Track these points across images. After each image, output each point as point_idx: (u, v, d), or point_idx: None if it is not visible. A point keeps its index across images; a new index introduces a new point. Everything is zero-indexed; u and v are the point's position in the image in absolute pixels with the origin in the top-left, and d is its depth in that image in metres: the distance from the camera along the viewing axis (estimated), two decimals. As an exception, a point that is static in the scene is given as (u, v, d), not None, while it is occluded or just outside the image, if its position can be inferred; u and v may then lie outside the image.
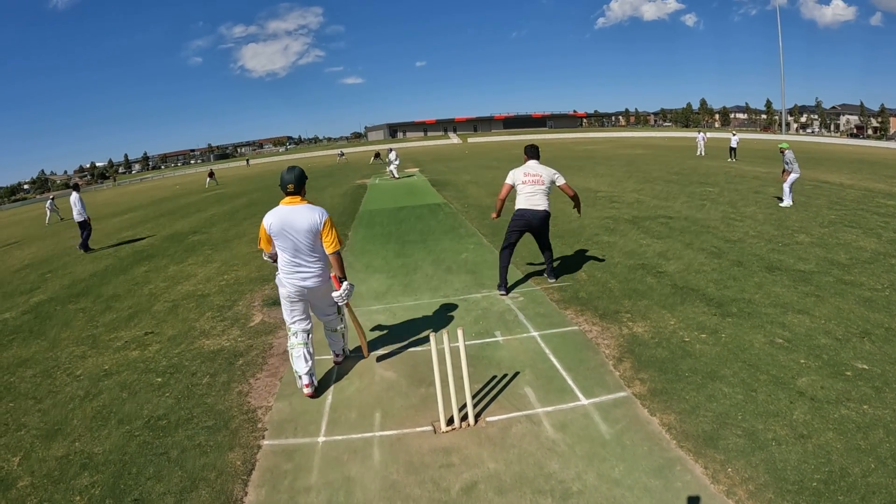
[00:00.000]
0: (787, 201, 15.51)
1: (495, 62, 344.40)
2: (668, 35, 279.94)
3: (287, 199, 5.61)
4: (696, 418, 4.84)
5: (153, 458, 4.89)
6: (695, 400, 5.16)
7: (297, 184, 5.60)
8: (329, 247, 5.56)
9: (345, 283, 5.62)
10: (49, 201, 36.25)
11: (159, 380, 6.64)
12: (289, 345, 5.88)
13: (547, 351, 6.44)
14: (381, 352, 6.81)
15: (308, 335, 5.87)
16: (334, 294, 5.64)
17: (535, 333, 6.96)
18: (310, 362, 5.77)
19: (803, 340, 6.32)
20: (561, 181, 8.82)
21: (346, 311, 6.34)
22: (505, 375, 5.89)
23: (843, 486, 3.83)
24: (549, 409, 5.16)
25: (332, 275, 5.71)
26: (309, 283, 5.65)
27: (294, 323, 5.85)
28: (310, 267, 5.63)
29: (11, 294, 12.83)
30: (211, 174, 55.88)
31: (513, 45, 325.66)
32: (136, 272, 13.17)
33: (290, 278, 5.64)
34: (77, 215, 17.73)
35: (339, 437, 5.02)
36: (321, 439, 5.01)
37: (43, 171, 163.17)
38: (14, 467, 4.92)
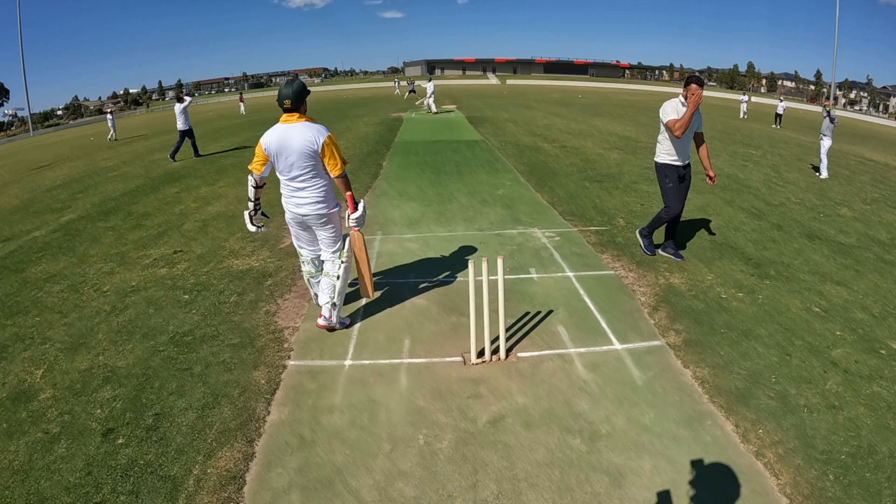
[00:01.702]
0: (824, 173, 14.92)
1: (539, 4, 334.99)
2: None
3: (284, 115, 5.04)
4: (730, 374, 4.66)
5: (176, 374, 4.86)
6: (729, 356, 4.97)
7: (294, 98, 4.96)
8: (333, 169, 5.01)
9: (360, 203, 5.17)
10: (109, 117, 36.77)
11: (186, 297, 6.60)
12: (303, 274, 5.69)
13: (581, 291, 6.26)
14: (413, 279, 6.69)
15: (318, 261, 5.59)
16: (351, 216, 5.15)
17: (570, 273, 6.77)
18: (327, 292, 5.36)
19: (840, 312, 6.04)
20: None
21: (349, 250, 5.47)
22: (538, 312, 5.74)
23: (871, 462, 3.66)
24: (582, 349, 5.01)
25: (347, 194, 5.15)
26: (306, 209, 5.14)
27: (302, 249, 5.57)
28: (308, 192, 5.09)
29: (42, 212, 12.85)
30: (241, 99, 55.35)
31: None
32: (167, 192, 13.12)
33: (288, 203, 5.25)
34: (182, 125, 18.81)
35: (366, 362, 4.94)
36: (348, 362, 4.93)
37: (76, 97, 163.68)
38: (37, 380, 4.89)
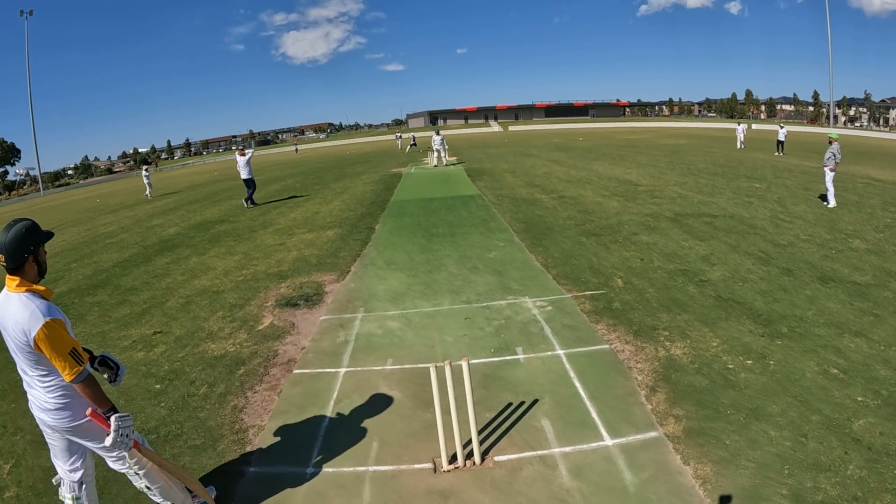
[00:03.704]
0: (832, 201, 14.47)
1: (537, 49, 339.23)
2: (712, 22, 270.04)
3: (7, 277, 3.40)
4: (736, 470, 4.16)
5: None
6: (735, 445, 4.45)
7: (8, 254, 3.30)
8: (62, 371, 3.29)
9: (113, 418, 3.42)
10: (144, 175, 37.79)
11: (158, 386, 6.34)
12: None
13: (572, 374, 5.79)
14: (389, 367, 6.28)
15: (78, 487, 3.83)
16: (106, 441, 3.42)
17: (560, 351, 6.32)
18: None
19: (860, 371, 5.56)
20: None
21: (141, 459, 3.75)
22: (522, 403, 5.28)
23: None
24: (567, 449, 4.53)
25: (88, 411, 3.43)
26: (47, 417, 3.49)
27: (56, 464, 3.83)
28: (41, 394, 3.47)
29: None
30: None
31: (555, 30, 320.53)
32: (157, 263, 12.92)
33: (29, 402, 3.62)
34: (246, 174, 21.62)
35: (329, 470, 4.54)
36: (309, 469, 4.54)
37: (86, 156, 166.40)
38: (4, 474, 4.78)
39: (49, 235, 3.63)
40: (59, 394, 3.44)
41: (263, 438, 5.06)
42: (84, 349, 3.58)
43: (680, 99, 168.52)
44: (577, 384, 5.55)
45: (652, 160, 29.45)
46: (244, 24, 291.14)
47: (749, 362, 5.85)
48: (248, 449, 4.92)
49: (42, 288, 3.46)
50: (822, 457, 4.23)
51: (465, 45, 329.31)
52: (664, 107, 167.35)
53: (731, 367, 5.78)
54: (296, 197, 23.54)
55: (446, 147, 33.59)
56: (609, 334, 6.75)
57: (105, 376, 3.90)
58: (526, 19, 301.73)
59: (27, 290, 3.36)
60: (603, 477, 4.17)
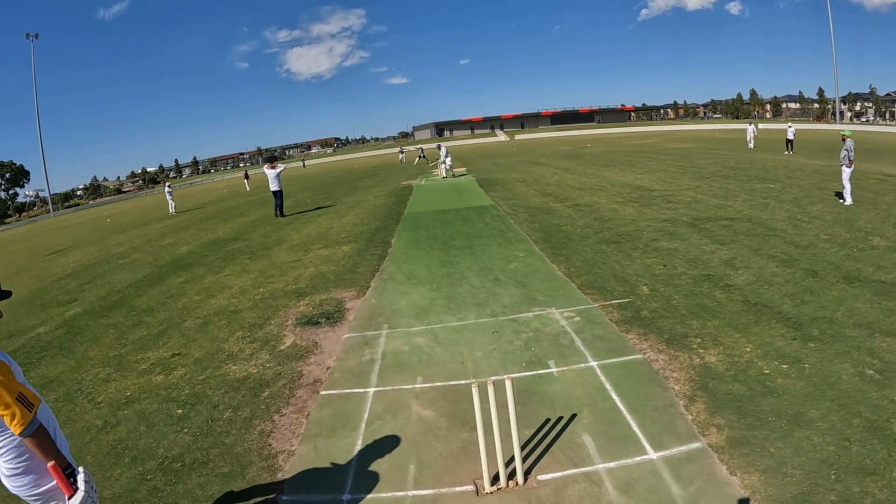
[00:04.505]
0: (848, 199, 14.27)
1: (540, 58, 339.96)
2: (713, 24, 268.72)
3: None
4: (783, 478, 4.02)
5: None
6: (781, 454, 4.31)
7: None
8: (9, 423, 2.83)
9: (80, 476, 3.02)
10: (168, 191, 38.59)
11: (180, 411, 6.19)
12: None
13: (608, 386, 5.61)
14: (420, 385, 6.12)
15: None
16: (74, 498, 2.93)
17: (593, 363, 6.13)
18: None
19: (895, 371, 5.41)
20: None
21: None
22: (560, 418, 5.10)
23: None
24: (612, 464, 4.36)
25: (49, 466, 2.95)
26: (5, 483, 3.04)
27: None
28: None
29: (49, 305, 12.69)
30: (246, 176, 56.45)
31: (556, 39, 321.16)
32: (172, 283, 12.82)
33: None
34: (275, 186, 22.54)
35: (366, 496, 4.36)
36: (346, 496, 4.37)
37: (95, 177, 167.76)
38: None
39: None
40: (13, 455, 2.93)
41: (294, 464, 4.90)
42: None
43: (685, 101, 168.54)
44: (615, 396, 5.38)
45: (662, 165, 29.27)
46: (248, 42, 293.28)
47: (784, 367, 5.70)
48: (280, 476, 4.75)
49: None
50: (866, 460, 4.13)
51: (468, 56, 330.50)
52: (669, 110, 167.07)
53: (767, 372, 5.62)
54: (307, 212, 23.49)
55: (451, 158, 33.51)
56: (641, 343, 6.57)
57: None
58: (527, 29, 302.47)
59: None
60: (651, 492, 4.02)
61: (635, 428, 4.84)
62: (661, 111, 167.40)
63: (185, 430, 5.71)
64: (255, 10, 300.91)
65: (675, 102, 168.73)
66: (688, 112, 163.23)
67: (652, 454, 4.45)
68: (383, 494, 4.34)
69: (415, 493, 4.30)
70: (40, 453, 2.89)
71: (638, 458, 4.42)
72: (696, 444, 4.53)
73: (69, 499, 2.92)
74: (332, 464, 4.84)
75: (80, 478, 2.97)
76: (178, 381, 7.01)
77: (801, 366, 5.69)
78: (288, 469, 4.84)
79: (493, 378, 3.98)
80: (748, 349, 6.18)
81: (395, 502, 4.23)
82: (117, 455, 5.40)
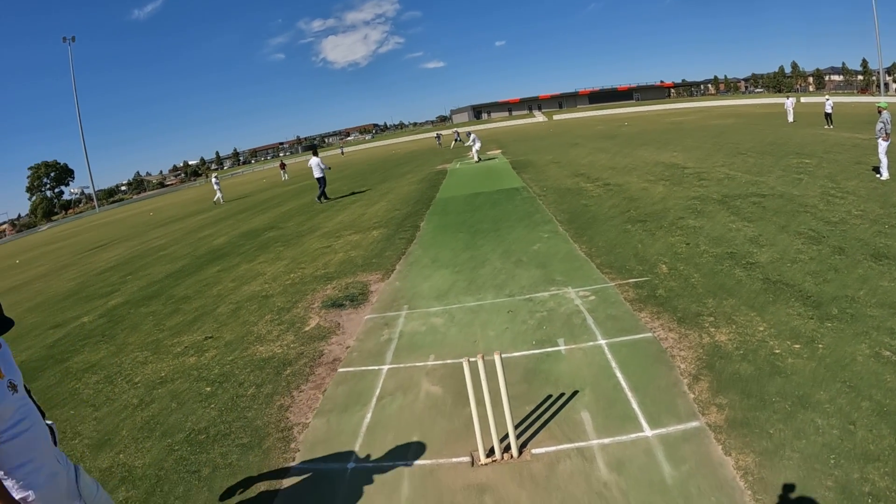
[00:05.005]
0: (885, 174, 13.87)
1: (576, 36, 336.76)
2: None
3: None
4: (780, 461, 3.96)
5: (185, 476, 4.88)
6: (780, 436, 4.24)
7: None
8: None
9: None
10: (215, 182, 39.94)
11: (208, 389, 6.57)
12: None
13: (613, 364, 5.69)
14: (432, 363, 6.33)
15: None
16: None
17: (602, 342, 6.21)
18: None
19: (914, 354, 5.27)
20: None
21: None
22: (562, 395, 5.22)
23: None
24: (606, 440, 4.45)
25: None
26: None
27: None
28: None
29: (92, 297, 13.31)
30: (282, 166, 57.19)
31: (591, 16, 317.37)
32: (208, 272, 13.29)
33: None
34: (318, 172, 23.81)
35: (370, 465, 4.62)
36: (350, 465, 4.64)
37: (138, 172, 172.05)
38: None
39: None
40: None
41: (307, 436, 5.19)
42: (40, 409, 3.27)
43: (725, 76, 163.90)
44: (619, 375, 5.46)
45: (698, 142, 28.76)
46: (283, 34, 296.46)
47: (797, 347, 5.61)
48: (293, 446, 5.07)
49: None
50: (871, 446, 4.00)
51: (504, 38, 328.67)
52: (709, 85, 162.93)
53: (777, 352, 5.55)
54: (342, 198, 23.87)
55: (480, 143, 33.52)
56: (652, 322, 6.60)
57: None
58: (562, 8, 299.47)
59: None
60: (642, 470, 4.07)
61: (635, 406, 4.90)
62: (702, 87, 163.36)
63: (212, 406, 6.08)
64: (287, 1, 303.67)
65: (716, 77, 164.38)
66: (728, 87, 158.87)
67: (648, 432, 4.49)
68: (385, 464, 4.58)
69: (414, 463, 4.51)
70: None
71: (633, 435, 4.47)
72: (694, 424, 4.53)
73: None
74: (342, 436, 5.10)
75: None
76: (209, 362, 7.39)
77: (815, 346, 5.58)
78: (301, 440, 5.13)
79: (485, 356, 4.10)
80: (761, 328, 6.12)
81: (395, 473, 4.44)
82: (150, 429, 5.83)
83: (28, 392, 3.41)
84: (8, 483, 2.93)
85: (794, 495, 3.65)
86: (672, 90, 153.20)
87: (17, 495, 2.94)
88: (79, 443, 5.85)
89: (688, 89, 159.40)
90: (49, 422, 3.49)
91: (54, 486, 3.15)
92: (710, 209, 12.10)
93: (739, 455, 4.09)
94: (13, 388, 3.03)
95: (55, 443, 3.44)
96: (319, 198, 23.82)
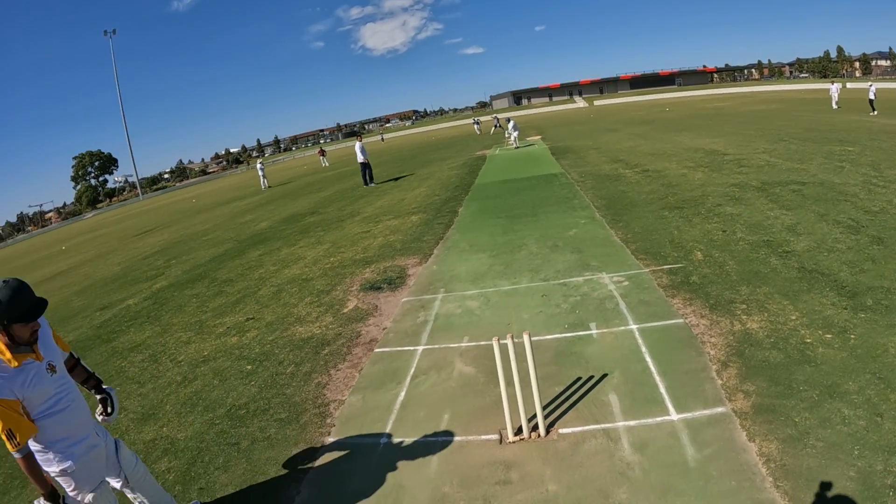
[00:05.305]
0: None
1: (617, 20, 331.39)
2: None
3: None
4: (803, 449, 3.95)
5: (225, 448, 5.15)
6: (805, 423, 4.22)
7: None
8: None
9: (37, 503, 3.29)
10: (260, 168, 41.38)
11: (249, 367, 6.86)
12: None
13: (644, 349, 5.73)
14: (465, 344, 6.46)
15: None
16: None
17: (633, 326, 6.26)
18: None
19: (948, 346, 5.17)
20: None
21: None
22: (591, 378, 5.31)
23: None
24: (632, 423, 4.53)
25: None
26: None
27: None
28: None
29: (137, 280, 13.83)
30: (322, 153, 57.72)
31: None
32: (250, 256, 13.67)
33: None
34: (362, 158, 24.45)
35: (402, 440, 4.81)
36: (383, 440, 4.85)
37: (181, 160, 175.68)
38: None
39: (31, 314, 3.24)
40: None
41: (343, 412, 5.41)
42: (94, 378, 3.91)
43: (769, 60, 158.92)
44: (648, 359, 5.51)
45: (739, 128, 28.14)
46: (321, 22, 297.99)
47: (828, 336, 5.54)
48: (329, 421, 5.29)
49: (7, 355, 3.17)
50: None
51: (543, 22, 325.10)
52: (753, 70, 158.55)
53: (808, 341, 5.49)
54: (382, 184, 24.11)
55: (518, 130, 33.47)
56: (684, 308, 6.61)
57: (98, 410, 3.91)
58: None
59: None
60: (665, 452, 4.13)
61: (662, 390, 4.95)
62: (745, 72, 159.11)
63: (252, 383, 6.36)
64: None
65: (759, 62, 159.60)
66: (773, 72, 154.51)
67: (673, 415, 4.54)
68: (416, 439, 4.76)
69: (445, 439, 4.68)
70: (26, 473, 3.19)
71: (658, 419, 4.53)
72: (720, 409, 4.55)
73: None
74: (376, 412, 5.30)
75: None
76: (250, 342, 7.69)
77: (847, 336, 5.49)
78: (337, 416, 5.36)
79: (515, 336, 4.23)
80: (794, 317, 6.05)
81: (426, 447, 4.62)
82: (192, 405, 6.15)
83: (78, 362, 3.74)
84: (48, 455, 3.29)
85: (814, 483, 3.64)
86: (715, 75, 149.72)
87: (58, 466, 3.30)
88: (124, 417, 6.19)
89: (731, 74, 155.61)
90: (107, 387, 3.91)
91: (94, 458, 3.49)
92: (748, 196, 11.95)
93: (763, 441, 4.09)
94: (52, 369, 3.34)
95: (113, 408, 3.85)
96: (365, 182, 24.41)
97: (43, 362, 3.29)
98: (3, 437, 3.05)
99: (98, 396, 3.94)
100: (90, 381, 3.92)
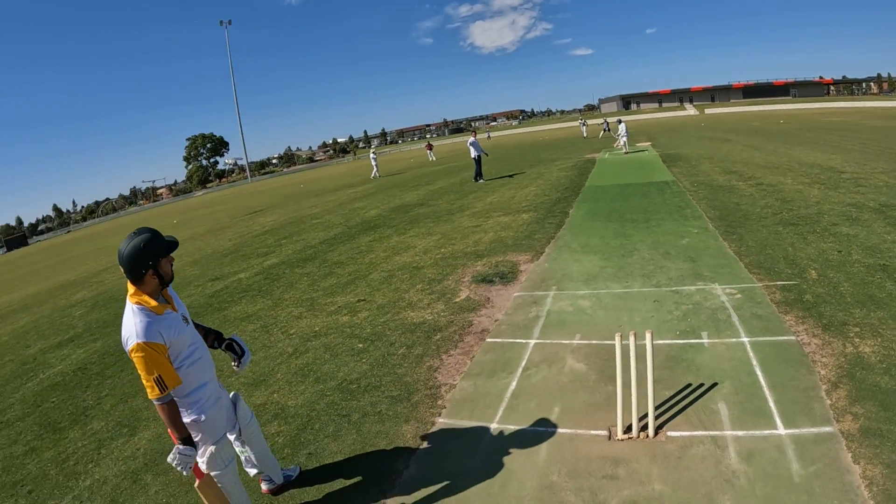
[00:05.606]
0: None
1: (730, 26, 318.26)
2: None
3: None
4: None
5: (335, 418, 5.49)
6: None
7: (127, 268, 3.43)
8: (146, 389, 3.39)
9: (174, 450, 3.46)
10: (372, 157, 42.99)
11: (360, 345, 7.26)
12: None
13: (754, 362, 5.71)
14: (577, 341, 6.60)
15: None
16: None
17: (745, 339, 6.23)
18: None
19: None
20: None
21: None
22: (701, 385, 5.36)
23: None
24: (740, 433, 4.56)
25: (169, 431, 3.55)
26: None
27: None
28: None
29: (249, 256, 14.72)
30: (429, 147, 58.41)
31: (745, 4, 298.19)
32: (361, 241, 14.26)
33: None
34: (474, 154, 24.83)
35: (512, 427, 5.00)
36: (493, 426, 5.05)
37: (289, 147, 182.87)
38: None
39: (171, 246, 3.61)
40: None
41: (454, 395, 5.66)
42: (215, 331, 4.16)
43: (889, 74, 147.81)
44: (759, 372, 5.49)
45: (857, 145, 26.46)
46: (431, 18, 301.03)
47: None
48: (440, 403, 5.55)
49: (153, 303, 3.46)
50: None
51: (655, 25, 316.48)
52: (872, 83, 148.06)
53: None
54: (491, 181, 24.34)
55: (628, 135, 32.97)
56: (797, 326, 6.48)
57: (232, 361, 4.20)
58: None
59: (138, 302, 3.44)
60: (771, 464, 4.16)
61: (771, 403, 4.93)
62: (863, 84, 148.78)
63: (364, 361, 6.74)
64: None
65: (879, 75, 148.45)
66: (893, 86, 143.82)
67: (781, 430, 4.54)
68: (526, 427, 4.96)
69: (554, 430, 4.86)
70: (164, 420, 3.47)
71: (766, 431, 4.54)
72: (827, 428, 4.51)
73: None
74: (487, 399, 5.52)
75: (173, 451, 3.47)
76: (362, 322, 8.11)
77: None
78: (448, 398, 5.62)
79: (637, 337, 4.36)
80: None
81: (535, 436, 4.81)
82: (303, 375, 6.60)
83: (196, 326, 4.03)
84: (182, 405, 3.60)
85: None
86: (831, 87, 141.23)
87: (189, 417, 3.63)
88: (235, 380, 6.70)
89: (848, 87, 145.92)
90: (231, 337, 4.25)
91: (219, 410, 3.86)
92: (865, 217, 11.41)
93: (868, 464, 4.04)
94: (186, 320, 3.74)
95: (244, 352, 4.19)
96: (476, 177, 24.63)
97: (178, 313, 3.66)
98: (151, 383, 3.30)
99: (223, 344, 4.16)
100: (209, 336, 4.11)
